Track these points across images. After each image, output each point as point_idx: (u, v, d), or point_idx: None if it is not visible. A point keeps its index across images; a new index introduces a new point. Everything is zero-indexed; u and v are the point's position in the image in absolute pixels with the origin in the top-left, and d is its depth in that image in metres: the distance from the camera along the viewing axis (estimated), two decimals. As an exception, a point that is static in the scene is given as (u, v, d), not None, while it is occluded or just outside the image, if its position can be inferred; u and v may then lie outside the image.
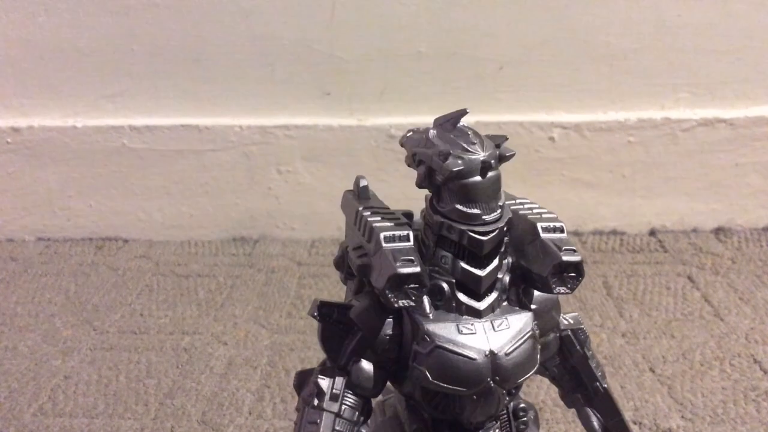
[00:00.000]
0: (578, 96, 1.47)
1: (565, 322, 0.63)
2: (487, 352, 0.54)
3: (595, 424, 0.58)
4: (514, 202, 0.60)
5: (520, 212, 0.58)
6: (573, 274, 0.55)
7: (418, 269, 0.53)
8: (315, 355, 1.15)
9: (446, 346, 0.54)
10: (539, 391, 1.04)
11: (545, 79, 1.46)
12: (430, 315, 0.56)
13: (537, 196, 1.48)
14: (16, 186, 1.56)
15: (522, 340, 0.56)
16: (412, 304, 0.54)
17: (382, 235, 0.55)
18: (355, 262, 0.57)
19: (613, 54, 1.44)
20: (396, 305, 0.54)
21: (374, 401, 0.63)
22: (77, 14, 1.45)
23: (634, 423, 0.99)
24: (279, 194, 1.55)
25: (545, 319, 0.59)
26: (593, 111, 1.48)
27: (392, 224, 0.56)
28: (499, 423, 0.61)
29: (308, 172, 1.53)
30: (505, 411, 0.61)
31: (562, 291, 0.56)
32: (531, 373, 0.58)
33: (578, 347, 0.60)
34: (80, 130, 1.52)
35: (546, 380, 1.06)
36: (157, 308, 1.31)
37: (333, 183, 1.53)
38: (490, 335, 0.55)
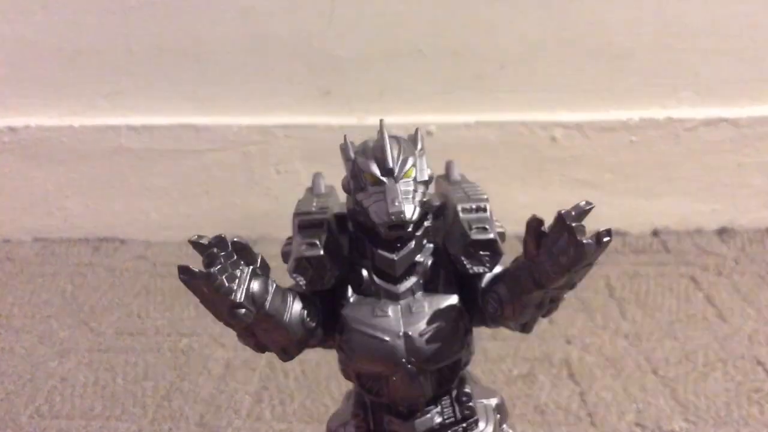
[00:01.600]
0: (580, 95, 1.46)
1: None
2: (401, 333, 0.56)
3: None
4: (453, 187, 0.62)
5: (452, 195, 0.60)
6: (488, 253, 0.55)
7: (320, 252, 0.56)
8: (314, 357, 1.14)
9: (360, 328, 0.56)
10: (541, 393, 1.04)
11: (547, 78, 1.45)
12: (351, 299, 0.58)
13: (538, 196, 1.49)
14: (13, 186, 1.55)
15: (441, 323, 0.56)
16: (323, 287, 0.56)
17: (296, 221, 0.59)
18: (282, 249, 0.61)
19: (615, 53, 1.43)
20: (304, 288, 0.57)
21: (346, 390, 0.67)
22: (74, 13, 1.44)
23: (637, 425, 0.98)
24: (278, 194, 1.54)
25: None
26: (595, 110, 1.47)
27: (312, 214, 0.59)
28: (440, 408, 0.61)
29: (307, 172, 1.52)
30: (448, 397, 0.61)
31: (480, 270, 0.56)
32: (457, 356, 0.58)
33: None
34: (77, 130, 1.51)
35: (546, 381, 1.06)
36: (155, 309, 1.30)
37: (332, 183, 1.52)
38: (406, 317, 0.56)
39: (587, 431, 0.97)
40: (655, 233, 1.52)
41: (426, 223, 0.58)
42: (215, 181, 1.54)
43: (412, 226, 0.54)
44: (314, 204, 0.62)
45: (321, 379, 1.09)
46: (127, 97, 1.51)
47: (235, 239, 0.52)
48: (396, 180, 0.54)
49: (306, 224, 0.58)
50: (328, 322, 0.59)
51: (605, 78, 1.45)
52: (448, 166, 0.68)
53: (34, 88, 1.51)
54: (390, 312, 0.56)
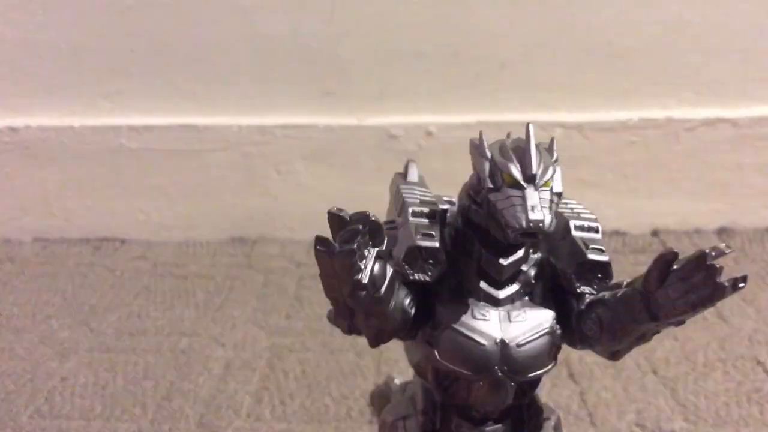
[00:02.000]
0: (580, 95, 1.46)
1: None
2: (498, 340, 0.55)
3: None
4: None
5: (560, 210, 0.58)
6: (599, 275, 0.55)
7: (436, 244, 0.54)
8: (314, 357, 1.15)
9: (458, 328, 0.55)
10: (540, 392, 1.03)
11: (547, 78, 1.45)
12: (449, 296, 0.56)
13: (538, 197, 1.49)
14: (13, 186, 1.55)
15: (537, 335, 0.56)
16: (428, 278, 0.54)
17: (410, 210, 0.56)
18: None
19: (615, 53, 1.43)
20: (411, 278, 0.54)
21: (398, 383, 0.64)
22: (75, 14, 1.44)
23: (637, 426, 0.98)
24: (278, 194, 1.54)
25: None
26: (595, 110, 1.47)
27: (423, 201, 0.57)
28: (510, 420, 0.60)
29: (307, 172, 1.52)
30: (519, 408, 0.61)
31: (587, 291, 0.55)
32: (544, 370, 0.57)
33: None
34: (78, 130, 1.51)
35: (546, 381, 1.05)
36: (155, 309, 1.30)
37: (332, 183, 1.52)
38: (504, 325, 0.55)
39: (587, 431, 0.97)
40: (655, 233, 1.52)
41: None
42: (215, 181, 1.54)
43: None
44: (421, 192, 0.60)
45: (321, 379, 1.09)
46: (128, 97, 1.51)
47: (373, 218, 0.50)
48: (536, 187, 0.52)
49: (421, 214, 0.56)
50: (417, 314, 0.58)
51: (605, 78, 1.45)
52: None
53: (34, 88, 1.51)
54: (490, 316, 0.55)
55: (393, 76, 1.46)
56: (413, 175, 0.63)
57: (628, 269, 1.38)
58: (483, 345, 0.55)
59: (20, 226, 1.58)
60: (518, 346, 0.55)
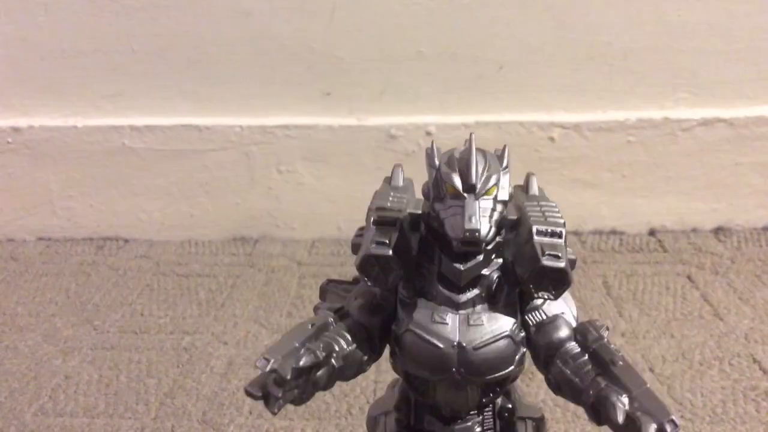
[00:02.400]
0: (578, 96, 1.47)
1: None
2: (455, 343, 0.56)
3: (618, 403, 0.55)
4: (531, 203, 0.61)
5: (529, 213, 0.58)
6: (555, 281, 0.54)
7: (388, 252, 0.55)
8: (315, 354, 1.16)
9: (416, 330, 0.56)
10: (539, 391, 1.04)
11: (545, 79, 1.46)
12: (412, 300, 0.58)
13: (537, 196, 1.49)
14: (17, 186, 1.56)
15: (495, 339, 0.56)
16: (384, 287, 0.56)
17: (372, 217, 0.57)
18: (352, 240, 0.60)
19: (613, 54, 1.44)
20: (368, 284, 0.57)
21: (389, 383, 0.67)
22: (77, 14, 1.45)
23: (634, 422, 0.99)
24: (279, 194, 1.55)
25: None
26: (593, 111, 1.48)
27: (385, 208, 0.58)
28: (481, 418, 0.62)
29: (308, 172, 1.53)
30: (491, 408, 0.62)
31: (544, 296, 0.55)
32: (505, 372, 0.58)
33: (594, 331, 0.59)
34: (81, 130, 1.52)
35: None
36: (158, 308, 1.31)
37: (333, 183, 1.53)
38: (463, 328, 0.56)
39: (584, 429, 0.98)
40: (652, 232, 1.53)
41: (498, 238, 0.57)
42: (217, 181, 1.54)
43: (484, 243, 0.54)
44: (390, 198, 0.60)
45: (322, 376, 1.10)
46: (130, 97, 1.51)
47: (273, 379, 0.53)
48: (477, 197, 0.53)
49: (380, 221, 0.57)
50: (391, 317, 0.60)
51: (603, 79, 1.46)
52: (528, 179, 0.67)
53: (37, 88, 1.51)
54: (449, 320, 0.56)
55: (393, 77, 1.47)
56: (398, 180, 0.64)
57: (625, 269, 1.39)
58: (440, 348, 0.56)
59: (24, 225, 1.59)
60: (475, 349, 0.56)
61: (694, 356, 1.12)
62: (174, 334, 1.23)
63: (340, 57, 1.46)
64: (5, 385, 1.10)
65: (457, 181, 0.54)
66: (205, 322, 1.26)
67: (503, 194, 0.56)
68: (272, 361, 0.52)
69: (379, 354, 0.61)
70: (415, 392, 0.61)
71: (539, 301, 0.59)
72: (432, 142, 0.59)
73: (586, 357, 0.56)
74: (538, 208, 0.59)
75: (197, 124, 1.50)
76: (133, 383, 1.10)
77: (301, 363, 0.53)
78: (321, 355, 0.55)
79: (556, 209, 0.59)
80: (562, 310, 0.60)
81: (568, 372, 0.56)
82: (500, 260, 0.58)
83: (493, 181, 0.55)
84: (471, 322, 0.56)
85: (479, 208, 0.53)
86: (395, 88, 1.47)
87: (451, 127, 1.47)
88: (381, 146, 1.49)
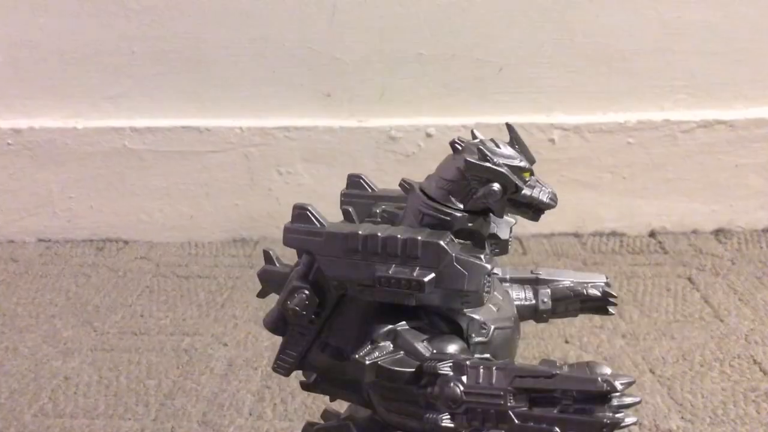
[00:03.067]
0: (578, 97, 1.47)
1: None
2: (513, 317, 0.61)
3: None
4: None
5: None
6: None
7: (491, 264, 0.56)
8: (315, 356, 1.15)
9: (500, 325, 0.59)
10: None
11: (545, 80, 1.46)
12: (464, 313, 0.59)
13: (537, 198, 1.49)
14: (17, 187, 1.56)
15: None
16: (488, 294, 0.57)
17: (443, 243, 0.54)
18: (405, 276, 0.54)
19: (612, 56, 1.44)
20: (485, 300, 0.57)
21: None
22: (78, 16, 1.46)
23: (634, 424, 0.99)
24: (279, 195, 1.55)
25: None
26: (593, 112, 1.48)
27: (432, 233, 0.56)
28: None
29: (308, 173, 1.53)
30: None
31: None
32: None
33: None
34: (81, 132, 1.52)
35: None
36: (158, 309, 1.31)
37: (333, 184, 1.53)
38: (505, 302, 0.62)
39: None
40: (652, 234, 1.53)
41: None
42: (217, 182, 1.55)
43: None
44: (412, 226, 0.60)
45: (322, 378, 1.10)
46: (130, 99, 1.52)
47: None
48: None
49: (451, 243, 0.56)
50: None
51: (603, 81, 1.46)
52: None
53: (38, 90, 1.52)
54: (502, 301, 0.60)
55: (393, 79, 1.47)
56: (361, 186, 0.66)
57: (625, 270, 1.39)
58: (510, 326, 0.61)
59: (24, 226, 1.59)
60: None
61: (695, 358, 1.12)
62: (174, 335, 1.23)
63: (340, 59, 1.46)
64: (5, 386, 1.10)
65: (525, 163, 0.58)
66: (205, 324, 1.26)
67: None
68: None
69: None
70: None
71: None
72: (479, 148, 0.58)
73: None
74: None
75: (197, 126, 1.51)
76: (133, 384, 1.10)
77: None
78: None
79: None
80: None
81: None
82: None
83: None
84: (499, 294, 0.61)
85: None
86: (395, 89, 1.48)
87: (451, 129, 1.47)
88: (381, 148, 1.49)
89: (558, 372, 0.49)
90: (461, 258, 0.54)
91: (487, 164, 0.57)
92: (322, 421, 0.68)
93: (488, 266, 0.55)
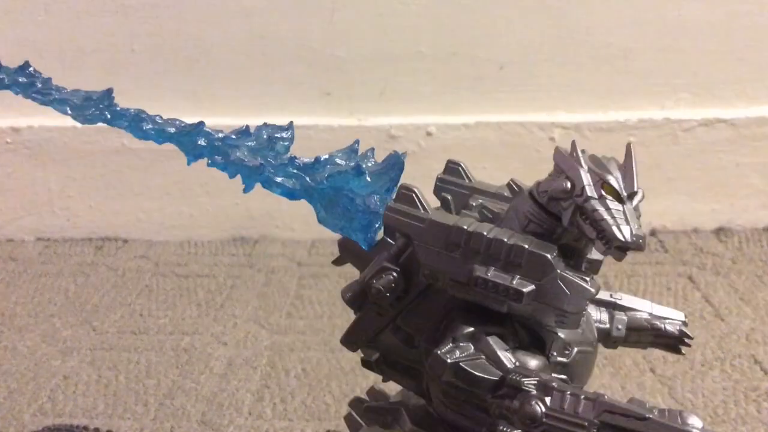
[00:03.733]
0: (579, 96, 1.47)
1: None
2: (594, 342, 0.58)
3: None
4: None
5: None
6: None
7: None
8: (315, 355, 1.15)
9: (582, 348, 0.56)
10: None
11: (545, 79, 1.46)
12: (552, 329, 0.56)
13: (537, 197, 1.49)
14: (16, 186, 1.56)
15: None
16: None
17: (550, 257, 0.52)
18: (504, 283, 0.52)
19: (613, 54, 1.44)
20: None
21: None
22: (77, 14, 1.45)
23: (635, 423, 0.98)
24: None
25: None
26: (594, 111, 1.48)
27: (539, 243, 0.53)
28: None
29: (308, 172, 1.53)
30: None
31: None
32: None
33: None
34: (80, 130, 1.52)
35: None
36: (157, 308, 1.31)
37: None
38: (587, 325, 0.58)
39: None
40: (653, 233, 1.53)
41: None
42: (216, 181, 1.54)
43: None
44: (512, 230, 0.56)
45: (322, 377, 1.10)
46: (129, 97, 1.49)
47: None
48: (634, 207, 0.52)
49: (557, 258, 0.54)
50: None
51: (603, 79, 1.46)
52: None
53: (36, 88, 1.51)
54: (585, 323, 0.57)
55: (393, 77, 1.47)
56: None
57: (626, 269, 1.39)
58: (591, 351, 0.59)
59: (23, 225, 1.59)
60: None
61: (695, 357, 1.12)
62: (173, 334, 1.23)
63: (340, 57, 1.46)
64: (4, 386, 1.10)
65: (617, 184, 0.52)
66: (205, 323, 1.25)
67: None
68: None
69: None
70: None
71: None
72: (573, 141, 0.55)
73: None
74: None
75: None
76: (132, 384, 1.10)
77: None
78: None
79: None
80: None
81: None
82: None
83: (641, 195, 0.53)
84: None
85: (638, 215, 0.52)
86: (395, 88, 1.47)
87: (451, 128, 1.47)
88: (381, 146, 1.48)
89: (651, 416, 0.48)
90: (566, 277, 0.52)
91: (570, 156, 0.53)
92: (368, 399, 0.66)
93: (593, 291, 0.52)
